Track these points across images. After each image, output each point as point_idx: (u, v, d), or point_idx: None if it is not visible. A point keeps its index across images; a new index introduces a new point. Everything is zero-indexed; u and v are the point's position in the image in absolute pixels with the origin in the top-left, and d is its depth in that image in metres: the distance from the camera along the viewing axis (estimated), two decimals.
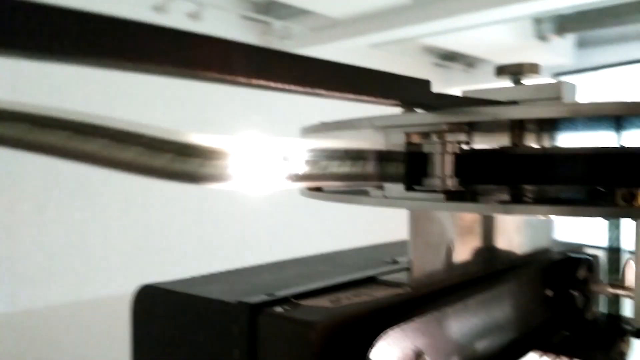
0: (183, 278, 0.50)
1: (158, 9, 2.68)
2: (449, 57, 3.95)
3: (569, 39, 3.64)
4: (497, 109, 0.33)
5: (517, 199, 0.37)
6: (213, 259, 3.01)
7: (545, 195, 0.42)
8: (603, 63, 3.53)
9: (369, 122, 0.39)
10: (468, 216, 0.52)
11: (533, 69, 0.45)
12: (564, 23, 3.38)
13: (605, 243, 0.67)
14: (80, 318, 2.41)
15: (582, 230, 0.82)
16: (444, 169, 0.36)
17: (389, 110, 0.40)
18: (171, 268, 2.81)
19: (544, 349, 0.50)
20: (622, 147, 0.33)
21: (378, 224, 3.56)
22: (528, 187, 0.38)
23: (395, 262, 0.56)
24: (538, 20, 3.38)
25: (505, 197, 0.38)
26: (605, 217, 0.33)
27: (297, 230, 3.47)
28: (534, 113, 0.32)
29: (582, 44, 3.82)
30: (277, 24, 3.17)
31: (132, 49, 0.21)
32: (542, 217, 0.62)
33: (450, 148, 0.36)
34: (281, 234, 3.39)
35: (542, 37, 3.40)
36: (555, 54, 3.47)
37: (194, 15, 2.84)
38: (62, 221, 2.49)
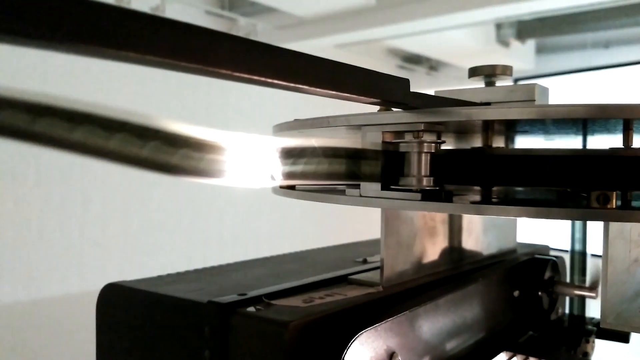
0: (149, 277, 0.49)
1: (119, 0, 2.63)
2: (413, 60, 4.00)
3: (530, 45, 3.73)
4: (476, 110, 0.33)
5: (492, 200, 0.37)
6: (175, 257, 2.96)
7: (519, 196, 0.42)
8: (561, 69, 3.63)
9: (346, 120, 0.39)
10: (438, 216, 0.52)
11: (505, 71, 0.46)
12: (524, 29, 3.46)
13: (567, 245, 0.68)
14: (35, 317, 2.34)
15: (540, 232, 0.83)
16: (420, 169, 0.36)
17: (362, 110, 0.40)
18: (131, 266, 2.75)
19: (512, 350, 0.51)
20: (598, 150, 0.34)
21: (345, 222, 3.57)
22: (503, 188, 0.39)
23: (365, 261, 0.56)
24: (499, 26, 3.45)
25: (480, 197, 0.38)
26: (579, 219, 0.33)
27: (264, 228, 3.45)
28: (511, 114, 0.32)
29: (540, 50, 3.91)
30: (242, 20, 3.14)
31: (110, 35, 0.20)
32: (510, 219, 0.63)
33: (426, 148, 0.36)
34: (247, 232, 3.36)
35: (503, 42, 3.47)
36: (516, 59, 3.55)
37: (156, 9, 2.79)
38: (18, 215, 2.41)
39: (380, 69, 0.33)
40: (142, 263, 2.81)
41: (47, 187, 2.49)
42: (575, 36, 3.57)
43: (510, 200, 0.39)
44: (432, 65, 4.00)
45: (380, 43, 3.52)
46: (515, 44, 3.49)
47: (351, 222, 3.42)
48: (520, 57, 3.62)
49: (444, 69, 4.01)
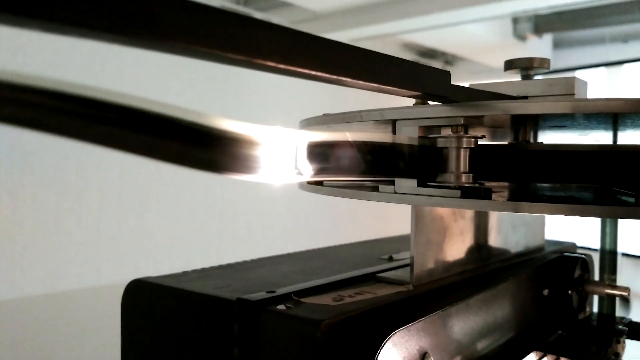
0: (174, 273, 0.48)
1: None
2: (429, 55, 3.97)
3: (547, 39, 3.69)
4: (521, 104, 0.32)
5: (532, 197, 0.36)
6: (192, 253, 2.97)
7: (547, 193, 0.41)
8: (579, 64, 3.59)
9: (380, 114, 0.38)
10: (467, 213, 0.51)
11: (543, 64, 0.44)
12: (541, 23, 3.42)
13: (596, 243, 0.66)
14: (53, 311, 2.36)
15: (561, 229, 0.82)
16: (459, 165, 0.35)
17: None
18: (147, 261, 2.76)
19: (542, 350, 0.49)
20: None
21: (359, 219, 3.56)
22: (543, 184, 0.37)
23: (391, 258, 0.55)
24: (516, 20, 3.41)
25: (515, 194, 0.37)
26: (623, 217, 0.32)
27: (280, 224, 3.44)
28: (556, 108, 0.31)
29: (557, 45, 3.87)
30: (257, 15, 3.13)
31: (150, 24, 0.19)
32: (539, 215, 0.61)
33: (465, 143, 0.35)
34: (262, 228, 3.36)
35: (520, 37, 3.44)
36: (532, 54, 3.51)
37: None
38: (35, 210, 2.42)
39: None
40: (157, 258, 2.82)
41: (64, 182, 2.50)
42: (593, 30, 3.53)
43: (549, 198, 0.38)
44: (447, 59, 3.97)
45: (395, 37, 3.50)
46: (532, 38, 3.46)
47: (365, 219, 3.41)
48: (537, 51, 3.58)
49: (459, 63, 3.97)
